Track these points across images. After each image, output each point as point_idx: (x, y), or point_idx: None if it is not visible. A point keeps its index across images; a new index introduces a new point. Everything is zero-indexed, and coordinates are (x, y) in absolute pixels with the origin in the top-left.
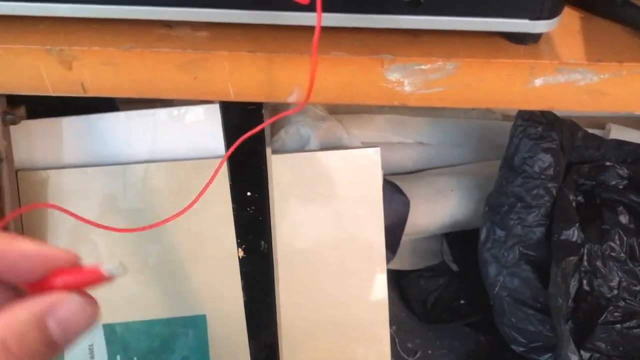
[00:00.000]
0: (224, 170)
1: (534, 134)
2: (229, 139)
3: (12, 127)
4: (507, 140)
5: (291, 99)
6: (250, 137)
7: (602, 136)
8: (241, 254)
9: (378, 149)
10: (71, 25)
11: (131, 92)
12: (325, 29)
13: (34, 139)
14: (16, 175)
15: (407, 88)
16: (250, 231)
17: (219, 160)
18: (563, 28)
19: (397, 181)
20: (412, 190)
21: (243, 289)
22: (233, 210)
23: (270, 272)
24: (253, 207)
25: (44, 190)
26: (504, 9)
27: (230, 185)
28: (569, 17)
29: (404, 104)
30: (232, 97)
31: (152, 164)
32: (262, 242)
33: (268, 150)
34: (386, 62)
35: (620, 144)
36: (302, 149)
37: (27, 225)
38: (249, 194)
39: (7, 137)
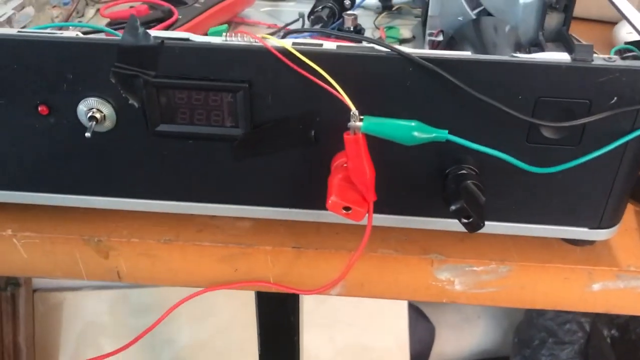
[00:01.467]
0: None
1: None
2: (263, 323)
3: None
4: None
5: (334, 292)
6: (285, 308)
7: None
8: None
9: None
10: (109, 214)
11: (167, 282)
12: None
13: None
14: (33, 296)
15: (457, 287)
16: None
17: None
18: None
19: (422, 307)
20: (437, 316)
21: None
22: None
23: None
24: None
25: (60, 310)
26: (563, 217)
27: (259, 355)
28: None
29: (454, 301)
30: (272, 289)
31: (167, 288)
32: None
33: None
34: (436, 262)
35: None
36: None
37: (39, 327)
38: None
39: None
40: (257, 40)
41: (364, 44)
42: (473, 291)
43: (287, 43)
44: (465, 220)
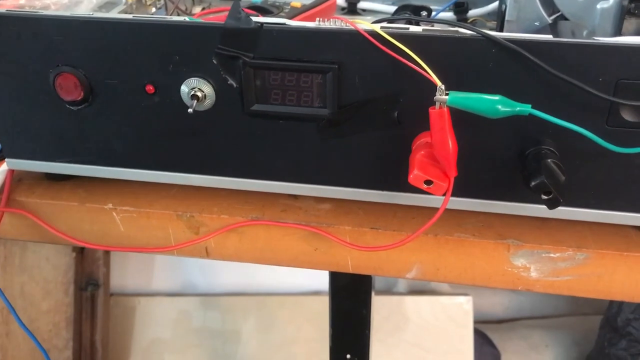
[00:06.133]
0: (316, 309)
1: None
2: (335, 302)
3: (111, 253)
4: None
5: (410, 275)
6: (356, 302)
7: None
8: None
9: (470, 297)
10: (202, 191)
11: (252, 259)
12: (450, 209)
13: (128, 266)
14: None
15: (533, 274)
16: None
17: (306, 297)
18: None
19: (488, 331)
20: (504, 342)
21: None
22: None
23: None
24: None
25: (133, 315)
26: None
27: (330, 347)
28: None
29: (529, 289)
30: (350, 270)
31: (237, 297)
32: None
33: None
34: (512, 247)
35: None
36: (389, 290)
37: (112, 330)
38: (348, 356)
39: (107, 263)
40: (348, 24)
41: (448, 27)
42: (549, 279)
43: (376, 26)
44: (546, 197)
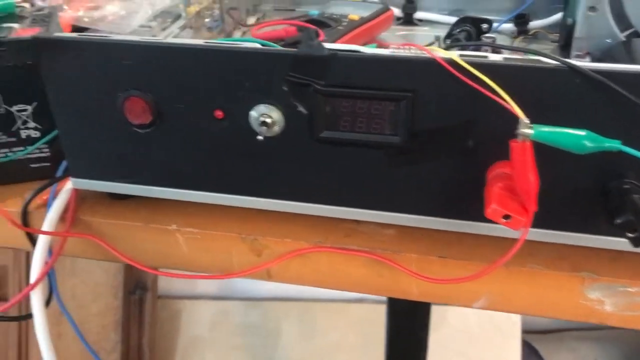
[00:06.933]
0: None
1: None
2: (393, 324)
3: None
4: None
5: (477, 305)
6: (414, 324)
7: None
8: None
9: None
10: (266, 215)
11: (314, 283)
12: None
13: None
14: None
15: (607, 308)
16: None
17: (350, 304)
18: None
19: (535, 342)
20: (551, 355)
21: None
22: None
23: None
24: None
25: (179, 317)
26: None
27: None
28: None
29: (603, 322)
30: (415, 297)
31: (280, 302)
32: None
33: None
34: (587, 280)
35: None
36: None
37: (159, 342)
38: None
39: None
40: (424, 52)
41: (529, 56)
42: (625, 313)
43: (454, 54)
44: (631, 235)
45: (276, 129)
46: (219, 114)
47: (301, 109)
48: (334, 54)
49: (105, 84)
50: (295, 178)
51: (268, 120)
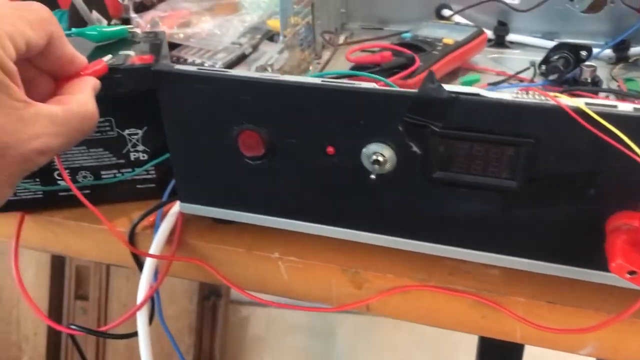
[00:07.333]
0: None
1: None
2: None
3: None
4: None
5: (583, 352)
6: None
7: None
8: None
9: None
10: (367, 248)
11: (414, 319)
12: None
13: None
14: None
15: None
16: None
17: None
18: None
19: None
20: None
21: None
22: None
23: None
24: None
25: (247, 323)
26: None
27: None
28: None
29: None
30: (518, 340)
31: (351, 315)
32: None
33: None
34: None
35: None
36: None
37: (228, 338)
38: None
39: None
40: (549, 99)
41: None
42: None
43: (581, 103)
44: None
45: (388, 167)
46: (330, 150)
47: (415, 149)
48: (455, 98)
49: (221, 117)
50: (402, 215)
51: (380, 158)
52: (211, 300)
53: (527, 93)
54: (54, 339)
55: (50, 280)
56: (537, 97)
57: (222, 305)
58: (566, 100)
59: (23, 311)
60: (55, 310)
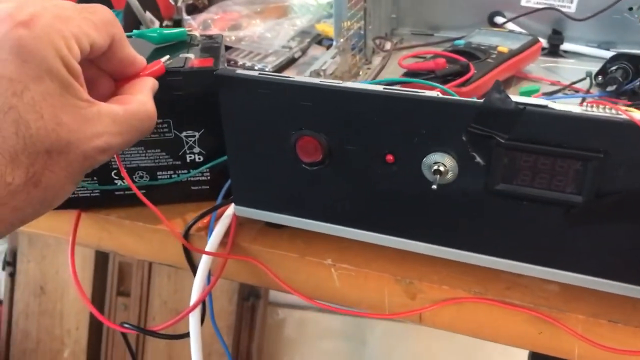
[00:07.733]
0: None
1: None
2: None
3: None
4: None
5: None
6: None
7: None
8: None
9: None
10: (421, 259)
11: (467, 332)
12: None
13: None
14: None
15: None
16: None
17: None
18: None
19: None
20: None
21: None
22: None
23: None
24: None
25: (283, 326)
26: None
27: None
28: None
29: None
30: (575, 358)
31: (393, 322)
32: None
33: None
34: None
35: None
36: None
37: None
38: None
39: None
40: (619, 112)
41: None
42: None
43: None
44: None
45: (449, 177)
46: (389, 158)
47: (479, 159)
48: (522, 109)
49: (280, 122)
50: (461, 226)
51: (441, 168)
52: (250, 301)
53: (596, 106)
54: (95, 333)
55: (93, 276)
56: (607, 110)
57: (260, 307)
58: (637, 115)
59: (66, 305)
60: (98, 305)
